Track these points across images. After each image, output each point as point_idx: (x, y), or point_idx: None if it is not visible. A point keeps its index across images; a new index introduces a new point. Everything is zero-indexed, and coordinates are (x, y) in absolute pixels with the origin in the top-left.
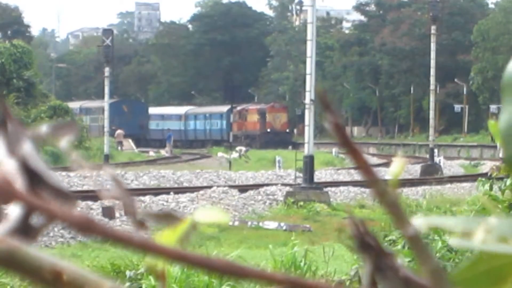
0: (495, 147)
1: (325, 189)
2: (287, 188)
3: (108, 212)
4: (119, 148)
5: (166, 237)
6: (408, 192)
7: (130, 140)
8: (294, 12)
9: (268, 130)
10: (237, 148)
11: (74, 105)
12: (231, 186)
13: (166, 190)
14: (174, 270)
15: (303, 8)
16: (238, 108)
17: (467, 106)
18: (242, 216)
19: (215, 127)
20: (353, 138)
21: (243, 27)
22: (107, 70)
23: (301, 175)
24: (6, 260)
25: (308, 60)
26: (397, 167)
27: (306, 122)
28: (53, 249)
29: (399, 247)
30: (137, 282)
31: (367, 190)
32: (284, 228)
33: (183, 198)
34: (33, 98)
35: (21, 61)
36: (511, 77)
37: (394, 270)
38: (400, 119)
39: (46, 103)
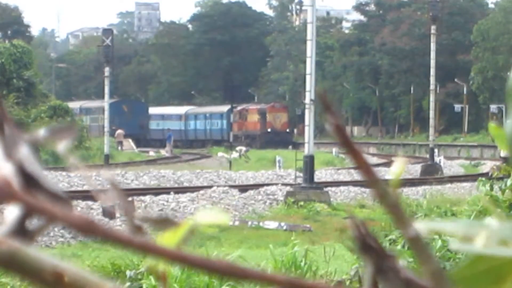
0: (495, 147)
1: (325, 189)
2: (287, 188)
3: (109, 212)
4: (119, 148)
5: (167, 238)
6: (408, 192)
7: (130, 140)
8: (294, 12)
9: (269, 130)
10: (237, 148)
11: (74, 105)
12: (231, 186)
13: (166, 190)
14: (175, 270)
15: (303, 8)
16: (239, 108)
17: (467, 106)
18: (243, 216)
19: (215, 127)
20: (353, 138)
21: (243, 27)
22: (107, 70)
23: (301, 175)
24: (7, 262)
25: (308, 60)
26: (398, 167)
27: (306, 122)
28: (53, 249)
29: (399, 246)
30: (137, 282)
31: (367, 190)
32: (284, 228)
33: (183, 198)
34: (33, 98)
35: (21, 61)
36: None
37: (396, 271)
38: (400, 119)
39: (46, 103)
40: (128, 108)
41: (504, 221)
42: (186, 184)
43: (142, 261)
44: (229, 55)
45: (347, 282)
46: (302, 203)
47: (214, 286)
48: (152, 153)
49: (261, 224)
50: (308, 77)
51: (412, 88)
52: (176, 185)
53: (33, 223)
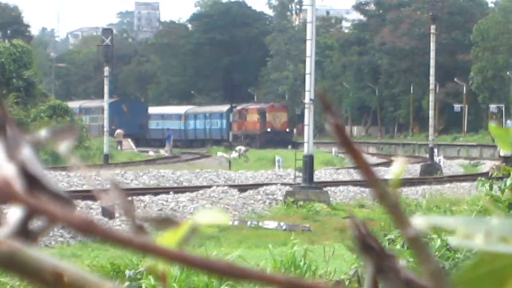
0: (495, 146)
1: (325, 189)
2: (287, 188)
3: (108, 212)
4: (119, 147)
5: (167, 238)
6: (407, 192)
7: (129, 140)
8: (293, 12)
9: (268, 129)
10: (237, 148)
11: (73, 104)
12: (230, 186)
13: (165, 190)
14: (174, 269)
15: (303, 7)
16: (238, 107)
17: (466, 106)
18: (242, 215)
19: (215, 127)
20: (352, 138)
21: (243, 26)
22: (106, 70)
23: (300, 174)
24: (7, 262)
25: (308, 60)
26: (398, 167)
27: (306, 121)
28: (52, 249)
29: (398, 246)
30: (136, 282)
31: (367, 190)
32: (283, 227)
33: (183, 197)
34: (32, 98)
35: (20, 61)
36: None
37: (396, 271)
38: (399, 118)
39: (45, 103)
40: (127, 107)
41: (504, 218)
42: (185, 184)
43: (142, 261)
44: (228, 55)
45: (346, 282)
46: (301, 202)
47: (214, 286)
48: (151, 153)
49: (260, 224)
50: (307, 77)
51: (411, 88)
52: (175, 185)
53: (35, 224)
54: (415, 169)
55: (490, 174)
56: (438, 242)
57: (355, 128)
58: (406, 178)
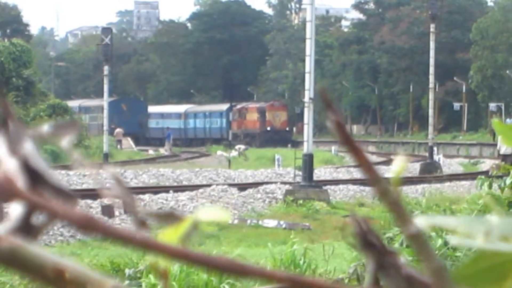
0: (495, 145)
1: (325, 187)
2: (287, 187)
3: (108, 211)
4: (118, 146)
5: (168, 235)
6: (407, 190)
7: (129, 139)
8: (293, 11)
9: (268, 128)
10: (236, 147)
11: (73, 103)
12: (230, 185)
13: (165, 189)
14: (174, 268)
15: (302, 6)
16: (238, 106)
17: (466, 104)
18: (242, 214)
19: (215, 126)
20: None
21: (242, 25)
22: (106, 69)
23: (300, 173)
24: (8, 259)
25: (307, 59)
26: (399, 166)
27: (305, 120)
28: (52, 248)
29: (397, 244)
30: (136, 280)
31: (367, 188)
32: (283, 226)
33: (183, 196)
34: (32, 97)
35: (20, 60)
36: None
37: (397, 268)
38: (399, 117)
39: (45, 102)
40: (127, 106)
41: (505, 217)
42: (185, 183)
43: (141, 260)
44: (228, 54)
45: (346, 281)
46: (301, 201)
47: (213, 284)
48: (151, 152)
49: (260, 222)
50: (307, 76)
51: (411, 87)
52: (175, 184)
53: (36, 220)
54: (415, 168)
55: (490, 173)
56: (439, 241)
57: (354, 127)
58: (405, 177)
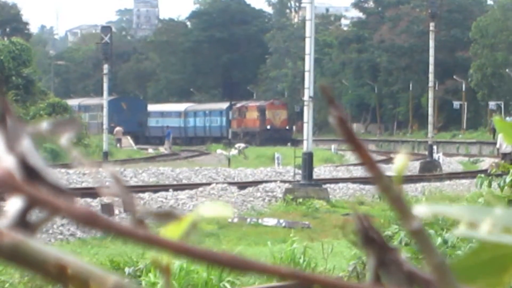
0: (494, 143)
1: (324, 186)
2: (286, 185)
3: (107, 209)
4: (118, 145)
5: (170, 231)
6: (407, 189)
7: (129, 137)
8: (292, 9)
9: (268, 127)
10: (236, 145)
11: (73, 102)
12: (230, 183)
13: (165, 187)
14: (173, 267)
15: (302, 5)
16: (238, 105)
17: (466, 103)
18: (241, 213)
19: (214, 124)
20: None
21: (242, 24)
22: (105, 67)
23: (300, 172)
24: (10, 254)
25: (307, 57)
26: (401, 163)
27: (305, 119)
28: (52, 246)
29: (396, 242)
30: (136, 279)
31: (366, 187)
32: (283, 225)
33: (182, 195)
34: (32, 96)
35: (19, 59)
36: None
37: (398, 264)
38: (399, 116)
39: (45, 101)
40: (127, 105)
41: (508, 209)
42: (185, 181)
43: (141, 258)
44: (228, 52)
45: (345, 279)
46: (301, 200)
47: (213, 283)
48: (151, 150)
49: (260, 221)
50: (307, 74)
51: (411, 85)
52: (175, 182)
53: (35, 215)
54: (415, 166)
55: (488, 171)
56: (439, 239)
57: (354, 126)
58: (405, 175)
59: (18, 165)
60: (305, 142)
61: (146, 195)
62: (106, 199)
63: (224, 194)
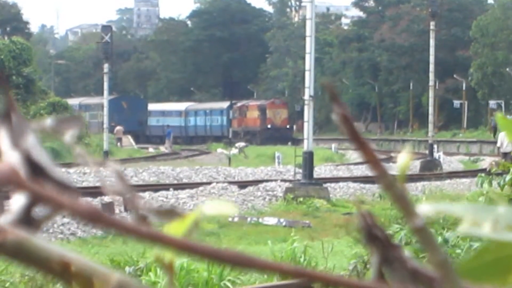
0: (495, 142)
1: (325, 185)
2: (287, 184)
3: (108, 209)
4: (119, 144)
5: (173, 229)
6: (407, 188)
7: (129, 137)
8: (293, 8)
9: (269, 126)
10: (236, 144)
11: (73, 101)
12: (230, 182)
13: (165, 187)
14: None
15: (302, 4)
16: (239, 104)
17: (466, 102)
18: (242, 212)
19: (215, 123)
20: None
21: (242, 23)
22: (106, 67)
23: (300, 171)
24: (14, 251)
25: (307, 56)
26: (404, 161)
27: (306, 118)
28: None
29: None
30: (136, 278)
31: (367, 186)
32: (283, 224)
33: (183, 194)
34: (32, 95)
35: (20, 58)
36: None
37: (402, 261)
38: (399, 115)
39: (45, 100)
40: (127, 104)
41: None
42: (185, 181)
43: (142, 258)
44: (228, 52)
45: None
46: (301, 199)
47: (214, 282)
48: (151, 150)
49: (260, 220)
50: (307, 73)
51: (411, 84)
52: (175, 182)
53: (39, 211)
54: (415, 165)
55: (488, 169)
56: (439, 238)
57: None
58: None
59: (23, 161)
60: (305, 141)
61: (146, 195)
62: (107, 198)
63: (224, 193)
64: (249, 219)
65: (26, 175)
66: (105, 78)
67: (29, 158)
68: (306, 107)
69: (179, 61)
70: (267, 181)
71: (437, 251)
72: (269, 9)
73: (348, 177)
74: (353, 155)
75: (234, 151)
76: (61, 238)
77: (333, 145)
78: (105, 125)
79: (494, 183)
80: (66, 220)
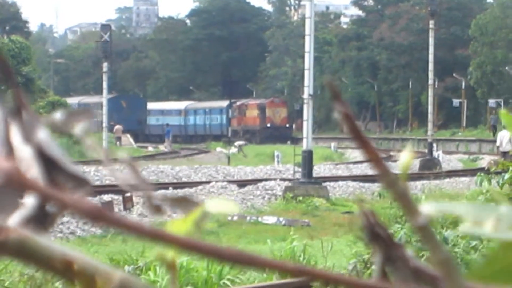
0: (494, 141)
1: (324, 184)
2: (286, 183)
3: (107, 208)
4: (118, 143)
5: (177, 226)
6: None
7: (128, 136)
8: (292, 7)
9: (268, 125)
10: (235, 143)
11: (72, 100)
12: (230, 181)
13: (165, 185)
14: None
15: (301, 3)
16: (238, 103)
17: (465, 101)
18: (241, 211)
19: (215, 122)
20: None
21: (241, 22)
22: (105, 66)
23: (300, 170)
24: (17, 250)
25: (307, 55)
26: (406, 160)
27: (305, 117)
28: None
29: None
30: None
31: (366, 185)
32: (283, 223)
33: (182, 193)
34: (31, 94)
35: (19, 57)
36: None
37: (404, 260)
38: (398, 114)
39: (44, 99)
40: (126, 103)
41: None
42: (184, 180)
43: (141, 257)
44: (227, 51)
45: None
46: (300, 198)
47: (213, 281)
48: (150, 149)
49: (259, 219)
50: (306, 72)
51: (410, 83)
52: (174, 181)
53: (47, 211)
54: (414, 164)
55: (486, 168)
56: (438, 238)
57: None
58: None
59: (35, 156)
60: (304, 140)
61: None
62: (107, 196)
63: (223, 192)
64: (248, 218)
65: (39, 171)
66: (104, 77)
67: (42, 153)
68: (305, 106)
69: (178, 60)
70: (266, 180)
71: (440, 250)
72: (268, 8)
73: (348, 176)
74: (352, 154)
75: (233, 150)
76: (60, 237)
77: (333, 144)
78: (104, 124)
79: (493, 182)
80: (65, 219)
